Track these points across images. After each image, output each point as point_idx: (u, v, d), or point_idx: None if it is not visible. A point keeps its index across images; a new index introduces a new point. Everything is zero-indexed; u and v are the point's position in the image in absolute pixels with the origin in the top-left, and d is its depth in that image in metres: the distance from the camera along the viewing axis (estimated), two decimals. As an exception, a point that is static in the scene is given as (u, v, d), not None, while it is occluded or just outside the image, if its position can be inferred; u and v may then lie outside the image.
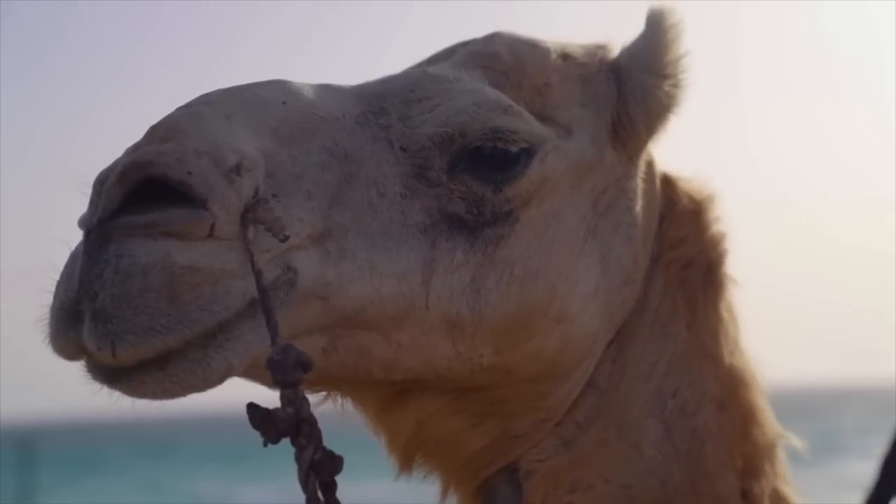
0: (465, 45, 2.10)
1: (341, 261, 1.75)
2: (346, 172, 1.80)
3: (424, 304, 1.83)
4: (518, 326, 1.93)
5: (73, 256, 1.62)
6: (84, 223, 1.62)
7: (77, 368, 1.66)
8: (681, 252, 2.18)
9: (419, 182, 1.87)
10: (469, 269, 1.87)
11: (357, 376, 1.87)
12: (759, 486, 2.13)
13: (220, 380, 1.65)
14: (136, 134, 1.70)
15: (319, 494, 1.58)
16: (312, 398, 1.76)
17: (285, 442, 1.59)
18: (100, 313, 1.55)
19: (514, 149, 1.92)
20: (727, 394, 2.14)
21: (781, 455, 2.19)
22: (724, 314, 2.19)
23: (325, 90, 1.88)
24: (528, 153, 1.94)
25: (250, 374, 1.77)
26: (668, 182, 2.23)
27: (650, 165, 2.18)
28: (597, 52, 2.14)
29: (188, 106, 1.72)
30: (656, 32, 2.10)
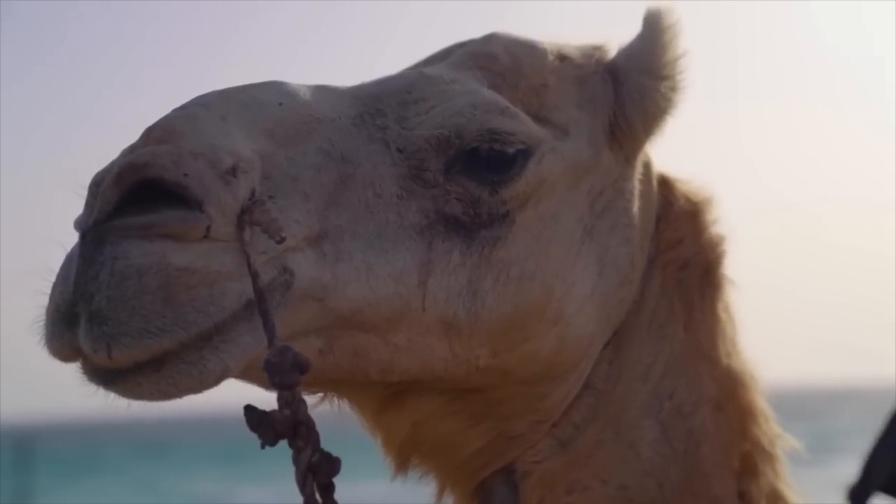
0: (461, 45, 2.09)
1: (338, 262, 1.75)
2: (342, 174, 1.80)
3: (421, 305, 1.83)
4: (515, 328, 1.93)
5: (69, 258, 1.62)
6: (80, 225, 1.62)
7: (74, 369, 1.66)
8: (678, 253, 2.18)
9: (416, 183, 1.86)
10: (465, 270, 1.87)
11: (354, 378, 1.87)
12: (756, 487, 2.13)
13: (216, 381, 1.64)
14: (134, 135, 1.70)
15: (317, 496, 1.58)
16: (309, 399, 1.76)
17: (283, 443, 1.59)
18: (95, 315, 1.55)
19: (510, 150, 1.92)
20: (724, 394, 2.14)
21: (781, 455, 2.19)
22: (722, 315, 2.19)
23: (322, 91, 1.88)
24: (525, 154, 1.94)
25: (246, 375, 1.77)
26: (665, 183, 2.23)
27: (647, 167, 2.18)
28: (594, 53, 2.14)
29: (184, 107, 1.72)
30: (653, 33, 2.10)
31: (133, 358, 1.58)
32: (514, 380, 1.99)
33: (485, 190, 1.90)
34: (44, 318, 1.64)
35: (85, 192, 1.66)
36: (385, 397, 1.99)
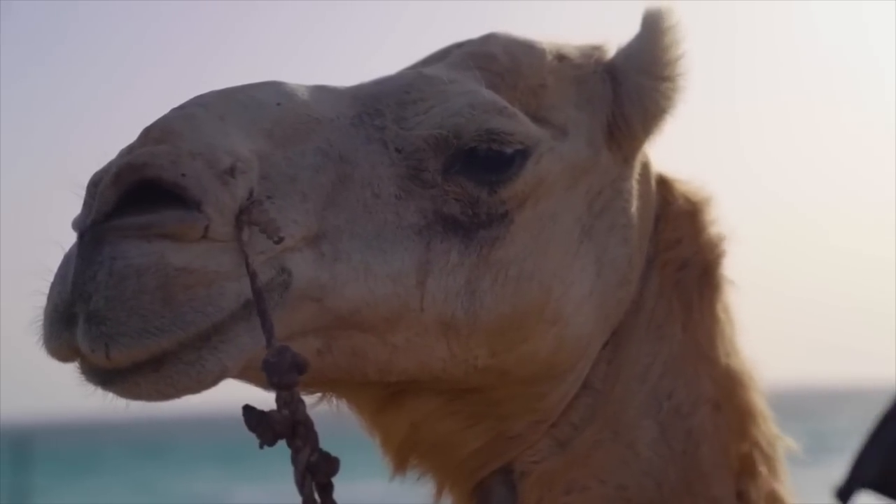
0: (460, 46, 2.09)
1: (336, 262, 1.75)
2: (340, 174, 1.80)
3: (419, 305, 1.83)
4: (513, 328, 1.93)
5: (67, 258, 1.62)
6: (78, 225, 1.62)
7: (71, 368, 1.66)
8: (676, 253, 2.18)
9: (414, 183, 1.86)
10: (464, 270, 1.87)
11: (352, 378, 1.87)
12: (755, 488, 2.13)
13: (214, 382, 1.64)
14: (132, 135, 1.70)
15: (316, 496, 1.58)
16: (307, 399, 1.76)
17: (281, 442, 1.59)
18: (93, 315, 1.55)
19: (508, 150, 1.92)
20: (723, 395, 2.14)
21: (779, 456, 2.19)
22: (721, 315, 2.19)
23: (320, 91, 1.88)
24: (523, 155, 1.93)
25: (245, 375, 1.77)
26: (663, 183, 2.23)
27: (646, 167, 2.18)
28: (592, 53, 2.14)
29: (182, 107, 1.72)
30: (652, 33, 2.10)
31: (131, 358, 1.58)
32: (512, 380, 1.99)
33: (483, 190, 1.90)
34: (42, 317, 1.64)
35: (83, 193, 1.66)
36: (383, 397, 1.99)
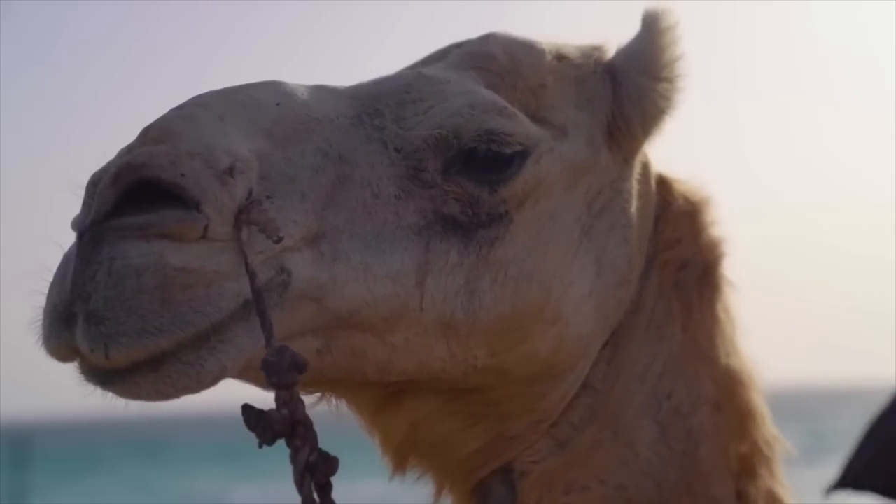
0: (459, 45, 2.09)
1: (335, 262, 1.75)
2: (340, 174, 1.80)
3: (419, 305, 1.83)
4: (512, 328, 1.93)
5: (66, 258, 1.62)
6: (77, 225, 1.62)
7: (70, 368, 1.66)
8: (676, 253, 2.18)
9: (413, 183, 1.86)
10: (463, 270, 1.87)
11: (351, 377, 1.87)
12: (754, 488, 2.13)
13: (213, 381, 1.64)
14: (131, 134, 1.70)
15: (315, 496, 1.58)
16: (307, 399, 1.76)
17: (280, 442, 1.59)
18: (93, 315, 1.55)
19: (508, 150, 1.92)
20: (722, 395, 2.14)
21: (777, 456, 2.19)
22: (721, 315, 2.19)
23: (320, 91, 1.88)
24: (523, 155, 1.93)
25: (244, 375, 1.77)
26: (663, 183, 2.23)
27: (645, 167, 2.18)
28: (592, 53, 2.14)
29: (181, 107, 1.71)
30: (652, 34, 2.10)
31: (130, 358, 1.58)
32: (511, 380, 1.99)
33: (483, 190, 1.90)
34: (41, 317, 1.64)
35: (82, 192, 1.66)
36: (383, 397, 1.99)
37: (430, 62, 2.08)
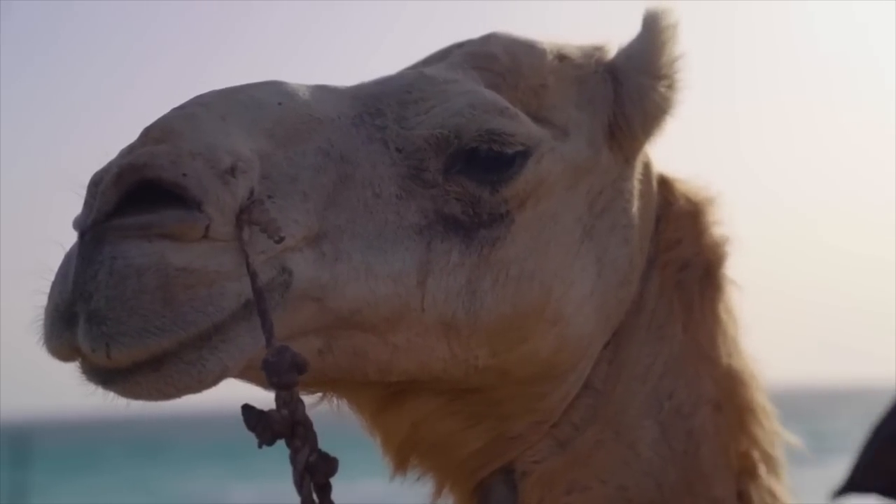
0: (460, 46, 2.09)
1: (336, 262, 1.75)
2: (341, 173, 1.80)
3: (420, 305, 1.83)
4: (513, 328, 1.93)
5: (68, 258, 1.62)
6: (78, 225, 1.62)
7: (71, 367, 1.66)
8: (677, 253, 2.18)
9: (415, 183, 1.86)
10: (465, 270, 1.87)
11: (352, 377, 1.87)
12: (755, 488, 2.13)
13: (214, 381, 1.64)
14: (132, 134, 1.69)
15: (314, 496, 1.58)
16: (308, 399, 1.76)
17: (280, 442, 1.59)
18: (94, 315, 1.55)
19: (509, 151, 1.92)
20: (724, 395, 2.14)
21: (779, 455, 2.19)
22: (723, 316, 2.19)
23: (321, 91, 1.87)
24: (524, 155, 1.93)
25: (245, 375, 1.76)
26: (664, 183, 2.23)
27: (647, 167, 2.18)
28: (593, 53, 2.14)
29: (183, 107, 1.71)
30: (653, 34, 2.10)
31: (132, 357, 1.57)
32: (513, 380, 1.99)
33: (484, 190, 1.90)
34: (43, 317, 1.63)
35: (83, 192, 1.66)
36: (384, 397, 1.99)
37: (432, 62, 2.08)
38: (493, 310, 1.89)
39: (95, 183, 1.62)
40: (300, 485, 1.57)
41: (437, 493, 2.12)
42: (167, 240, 1.58)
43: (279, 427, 1.56)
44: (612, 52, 2.15)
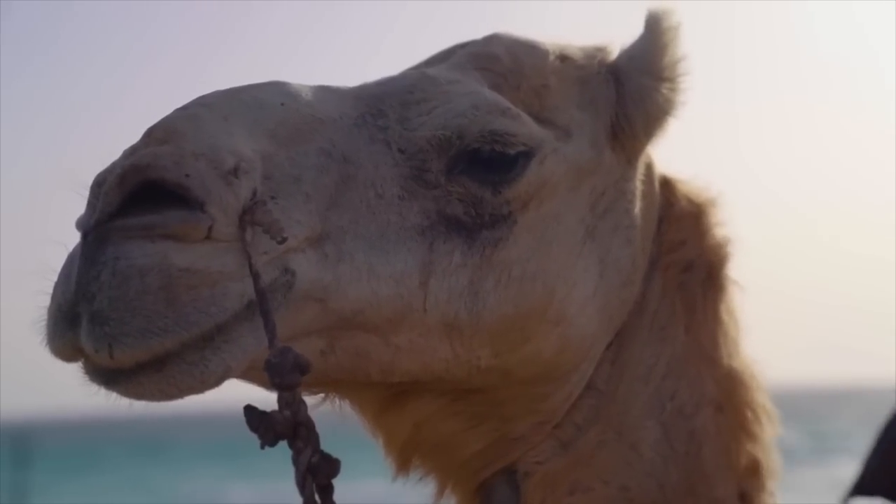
0: (463, 46, 2.09)
1: (339, 263, 1.75)
2: (343, 174, 1.79)
3: (422, 306, 1.83)
4: (516, 328, 1.93)
5: (71, 258, 1.62)
6: (81, 225, 1.62)
7: (71, 366, 1.66)
8: (680, 255, 2.18)
9: (417, 184, 1.86)
10: (467, 271, 1.87)
11: (355, 378, 1.87)
12: (757, 488, 2.13)
13: (217, 382, 1.64)
14: (132, 134, 1.70)
15: (317, 497, 1.58)
16: (310, 400, 1.76)
17: (281, 442, 1.59)
18: (97, 315, 1.55)
19: (512, 151, 1.92)
20: (725, 396, 2.14)
21: (776, 456, 2.19)
22: (724, 316, 2.19)
23: (323, 92, 1.87)
24: (527, 156, 1.93)
25: (247, 375, 1.76)
26: (667, 184, 2.23)
27: (649, 168, 2.18)
28: (595, 54, 2.14)
29: (185, 108, 1.71)
30: (655, 35, 2.10)
31: (135, 358, 1.57)
32: (515, 380, 1.99)
33: (487, 190, 1.90)
34: (46, 317, 1.63)
35: (85, 192, 1.66)
36: (386, 398, 1.99)
37: (434, 63, 2.08)
38: (495, 310, 1.89)
39: (99, 183, 1.62)
40: (302, 486, 1.57)
41: (440, 493, 2.12)
42: (170, 240, 1.58)
43: (281, 428, 1.56)
44: (614, 53, 2.15)
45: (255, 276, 1.61)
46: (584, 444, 2.07)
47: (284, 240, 1.66)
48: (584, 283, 2.00)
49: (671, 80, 2.10)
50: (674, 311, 2.15)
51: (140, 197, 1.59)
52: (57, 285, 1.63)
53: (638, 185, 2.13)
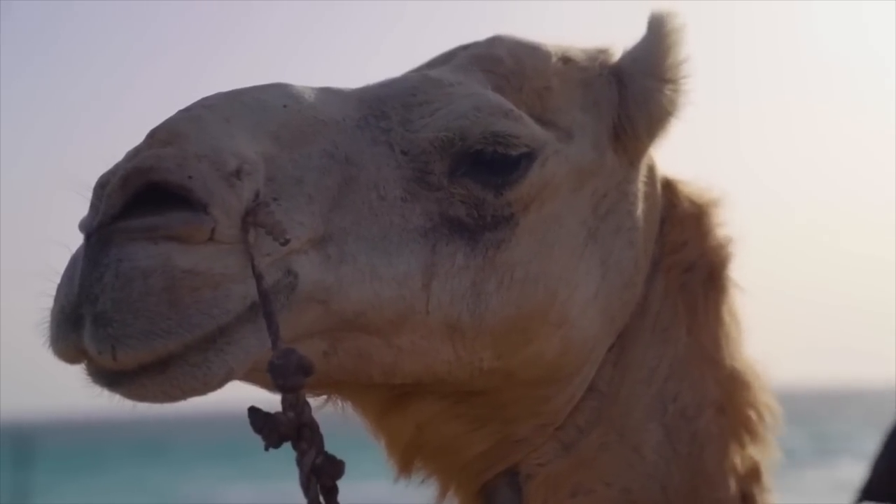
0: (465, 48, 2.09)
1: (341, 265, 1.75)
2: (346, 176, 1.80)
3: (425, 308, 1.83)
4: (518, 330, 1.93)
5: (74, 260, 1.62)
6: (85, 227, 1.62)
7: (73, 367, 1.66)
8: (682, 256, 2.18)
9: (420, 186, 1.86)
10: (469, 273, 1.87)
11: (357, 380, 1.87)
12: (759, 490, 2.13)
13: (220, 384, 1.64)
14: (132, 134, 1.70)
15: (321, 499, 1.58)
16: (313, 401, 1.76)
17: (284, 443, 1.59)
18: (100, 317, 1.55)
19: (514, 153, 1.92)
20: (727, 397, 2.14)
21: (776, 457, 2.19)
22: (726, 318, 2.18)
23: (326, 93, 1.87)
24: (529, 157, 1.93)
25: (250, 377, 1.76)
26: (669, 186, 2.22)
27: (651, 169, 2.18)
28: (598, 55, 2.14)
29: (188, 109, 1.71)
30: (658, 37, 2.10)
31: (138, 360, 1.58)
32: (517, 382, 1.99)
33: (489, 192, 1.90)
34: (49, 319, 1.63)
35: (86, 192, 1.66)
36: (388, 400, 1.99)
37: (436, 64, 2.08)
38: (497, 312, 1.89)
39: (101, 185, 1.62)
40: (307, 487, 1.57)
41: (442, 495, 2.12)
42: (173, 242, 1.58)
43: (285, 429, 1.56)
44: (616, 54, 2.15)
45: (259, 278, 1.61)
46: (586, 446, 2.06)
47: (287, 241, 1.66)
48: (586, 284, 2.00)
49: (674, 81, 2.09)
50: (676, 312, 2.15)
51: (143, 199, 1.59)
52: (60, 287, 1.63)
53: (640, 186, 2.13)
